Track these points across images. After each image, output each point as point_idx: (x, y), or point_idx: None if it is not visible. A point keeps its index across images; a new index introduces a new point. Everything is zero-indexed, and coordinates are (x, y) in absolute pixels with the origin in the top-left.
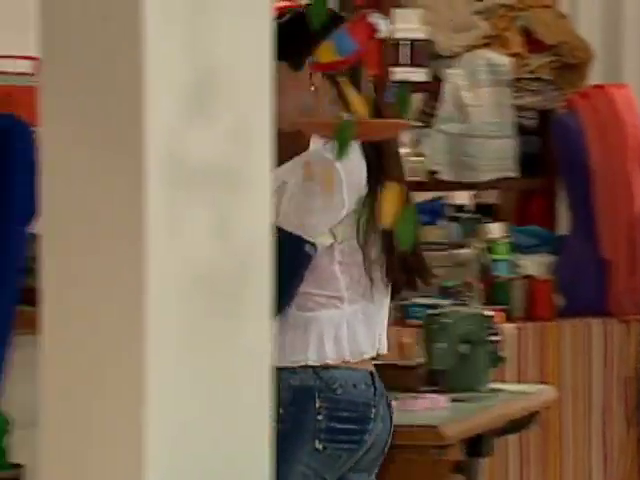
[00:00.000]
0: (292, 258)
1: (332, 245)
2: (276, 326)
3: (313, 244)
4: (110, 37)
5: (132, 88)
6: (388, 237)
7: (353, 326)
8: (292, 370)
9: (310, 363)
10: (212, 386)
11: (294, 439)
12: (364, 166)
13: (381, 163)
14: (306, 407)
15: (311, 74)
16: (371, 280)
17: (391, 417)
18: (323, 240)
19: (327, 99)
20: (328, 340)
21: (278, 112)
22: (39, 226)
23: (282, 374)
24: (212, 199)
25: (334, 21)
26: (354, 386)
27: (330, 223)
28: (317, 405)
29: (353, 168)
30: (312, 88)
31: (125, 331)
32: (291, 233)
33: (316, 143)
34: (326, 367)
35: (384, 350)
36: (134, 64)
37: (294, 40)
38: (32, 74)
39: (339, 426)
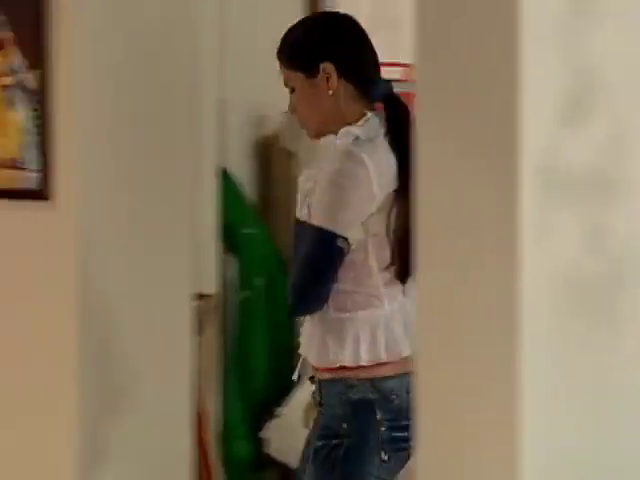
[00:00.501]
0: (326, 254)
1: (365, 239)
2: (316, 328)
3: (346, 238)
4: (485, 42)
5: (508, 95)
6: None
7: (391, 327)
8: (350, 384)
9: (346, 364)
10: (590, 404)
11: (361, 453)
12: (394, 161)
13: (410, 156)
14: (368, 421)
15: (327, 79)
16: (405, 275)
17: None
18: (356, 235)
19: (349, 100)
20: (364, 342)
21: (307, 126)
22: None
23: (340, 387)
24: (584, 203)
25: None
26: (407, 392)
27: (361, 218)
28: (378, 417)
29: (382, 162)
30: (330, 92)
31: (498, 341)
32: (323, 228)
33: (343, 139)
34: (381, 378)
35: None
36: (510, 71)
37: (306, 47)
38: (404, 80)
39: (401, 435)
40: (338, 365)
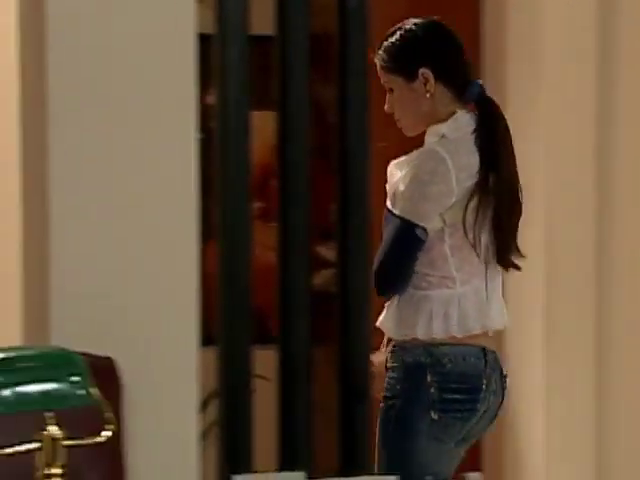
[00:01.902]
0: (406, 241)
1: (442, 229)
2: (395, 303)
3: (424, 228)
4: None
5: None
6: (498, 219)
7: (463, 305)
8: (405, 348)
9: (419, 337)
10: None
11: (412, 412)
12: (475, 157)
13: (494, 153)
14: (418, 382)
15: (425, 82)
16: (484, 262)
17: (504, 390)
18: (434, 225)
19: (444, 101)
20: (437, 317)
21: (404, 124)
22: None
23: (397, 352)
24: None
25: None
26: (463, 359)
27: (439, 210)
28: (428, 379)
29: (462, 160)
30: (427, 95)
31: None
32: (404, 218)
33: (430, 138)
34: (436, 344)
35: (502, 326)
36: None
37: (406, 54)
38: None
39: (451, 396)
40: (411, 338)
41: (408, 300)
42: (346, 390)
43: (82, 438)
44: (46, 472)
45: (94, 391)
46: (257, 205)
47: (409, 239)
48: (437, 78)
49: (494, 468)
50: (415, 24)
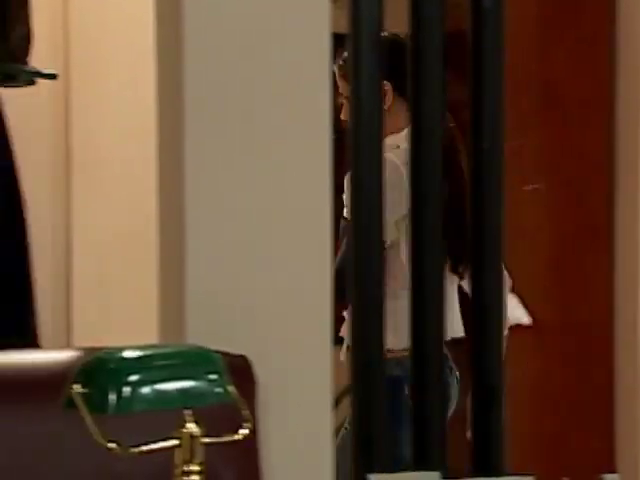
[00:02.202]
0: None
1: (398, 238)
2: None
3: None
4: None
5: None
6: (446, 230)
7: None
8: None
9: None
10: None
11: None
12: None
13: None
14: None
15: (383, 95)
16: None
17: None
18: (390, 234)
19: (400, 115)
20: (390, 329)
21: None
22: None
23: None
24: None
25: None
26: None
27: (394, 218)
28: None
29: None
30: (386, 107)
31: None
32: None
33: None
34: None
35: (459, 334)
36: None
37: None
38: None
39: None
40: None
41: None
42: (480, 389)
43: (219, 436)
44: (185, 469)
45: (231, 389)
46: None
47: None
48: (396, 92)
49: (630, 469)
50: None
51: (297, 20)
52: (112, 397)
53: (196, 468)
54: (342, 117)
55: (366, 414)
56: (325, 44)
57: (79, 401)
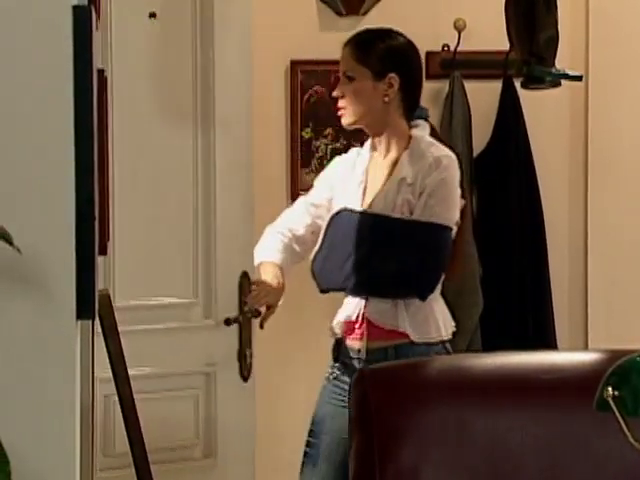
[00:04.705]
0: (445, 247)
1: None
2: (416, 307)
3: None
4: None
5: None
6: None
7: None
8: (428, 345)
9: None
10: None
11: None
12: None
13: None
14: None
15: (389, 87)
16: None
17: None
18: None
19: (394, 113)
20: (446, 317)
21: (348, 113)
22: None
23: (420, 350)
24: None
25: None
26: None
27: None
28: None
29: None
30: (386, 99)
31: None
32: (435, 224)
33: (417, 140)
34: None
35: None
36: None
37: (386, 54)
38: None
39: None
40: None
41: (421, 304)
42: None
43: None
44: None
45: None
46: None
47: (448, 245)
48: (400, 89)
49: None
50: (402, 36)
51: None
52: None
53: None
54: (334, 93)
55: None
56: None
57: (612, 404)
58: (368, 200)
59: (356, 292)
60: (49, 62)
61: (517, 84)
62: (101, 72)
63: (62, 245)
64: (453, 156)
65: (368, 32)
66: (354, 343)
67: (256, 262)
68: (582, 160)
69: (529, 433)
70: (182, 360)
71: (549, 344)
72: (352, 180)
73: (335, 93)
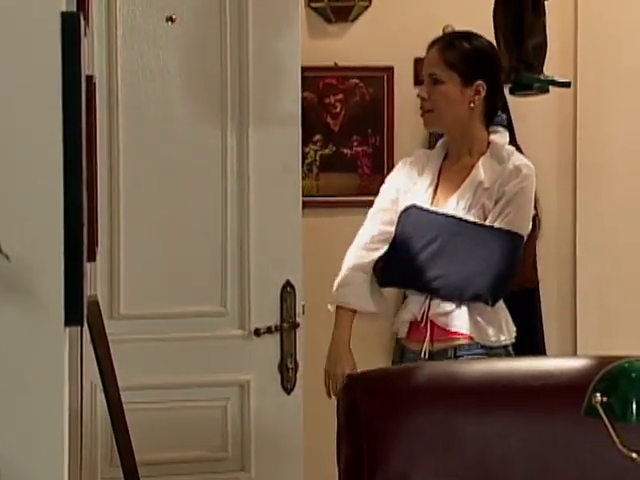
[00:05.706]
0: (517, 255)
1: None
2: (481, 310)
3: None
4: None
5: None
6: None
7: None
8: (489, 348)
9: (503, 342)
10: None
11: None
12: None
13: None
14: None
15: (476, 93)
16: None
17: None
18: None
19: (476, 119)
20: (508, 322)
21: (433, 116)
22: None
23: (480, 352)
24: None
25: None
26: None
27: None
28: None
29: None
30: (471, 105)
31: None
32: (511, 232)
33: (497, 146)
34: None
35: None
36: None
37: (477, 60)
38: None
39: None
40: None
41: (491, 309)
42: None
43: None
44: None
45: None
46: None
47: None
48: (485, 97)
49: None
50: (485, 40)
51: None
52: (634, 407)
53: None
54: (418, 93)
55: None
56: None
57: (600, 410)
58: (440, 200)
59: (421, 290)
60: (38, 68)
61: (506, 91)
62: (90, 78)
63: (50, 251)
64: (532, 167)
65: (455, 35)
66: (417, 344)
67: (345, 302)
68: (571, 166)
69: (519, 438)
70: (212, 370)
71: (538, 350)
72: (422, 180)
73: (421, 94)
